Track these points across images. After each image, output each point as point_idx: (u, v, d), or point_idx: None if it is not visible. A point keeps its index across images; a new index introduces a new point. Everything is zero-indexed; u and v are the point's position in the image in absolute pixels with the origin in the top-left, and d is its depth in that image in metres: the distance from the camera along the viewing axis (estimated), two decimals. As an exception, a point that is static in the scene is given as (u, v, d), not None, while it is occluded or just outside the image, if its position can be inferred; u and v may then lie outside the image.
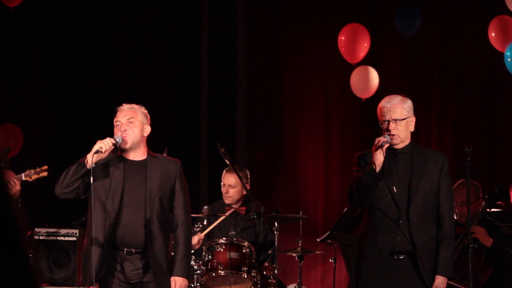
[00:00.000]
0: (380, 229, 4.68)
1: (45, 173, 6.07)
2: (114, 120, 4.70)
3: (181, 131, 9.17)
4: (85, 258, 4.58)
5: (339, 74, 8.80)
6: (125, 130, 4.60)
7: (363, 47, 8.13)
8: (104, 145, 4.46)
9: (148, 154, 4.68)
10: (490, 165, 8.39)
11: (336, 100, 8.93)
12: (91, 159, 4.44)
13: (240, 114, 9.20)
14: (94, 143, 4.54)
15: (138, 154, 4.65)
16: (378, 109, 4.76)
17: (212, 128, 9.26)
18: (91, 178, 4.43)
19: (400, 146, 4.73)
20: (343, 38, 8.20)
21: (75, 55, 9.62)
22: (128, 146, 4.60)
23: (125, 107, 4.73)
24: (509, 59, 7.34)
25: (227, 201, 6.72)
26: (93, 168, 4.45)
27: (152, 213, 4.54)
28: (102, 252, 4.48)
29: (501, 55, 7.58)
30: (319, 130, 8.99)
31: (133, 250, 4.54)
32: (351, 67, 8.31)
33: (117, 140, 4.55)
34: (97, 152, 4.44)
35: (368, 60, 8.60)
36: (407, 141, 4.75)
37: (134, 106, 4.74)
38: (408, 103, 4.73)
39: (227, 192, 6.70)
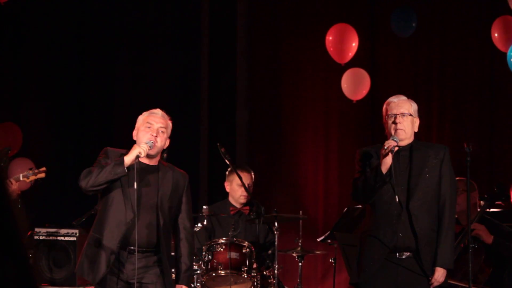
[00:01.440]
0: (382, 224, 4.70)
1: (43, 175, 6.07)
2: (145, 121, 4.68)
3: (181, 131, 9.16)
4: (90, 255, 4.59)
5: (338, 75, 8.80)
6: (155, 137, 4.62)
7: (351, 47, 8.13)
8: (143, 151, 4.51)
9: (159, 161, 4.75)
10: (490, 165, 8.39)
11: (336, 100, 8.92)
12: (131, 162, 4.49)
13: (240, 114, 9.19)
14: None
15: (152, 161, 4.70)
16: (385, 105, 4.82)
17: (212, 128, 9.26)
18: (135, 183, 4.48)
19: (403, 143, 4.76)
20: (330, 38, 8.21)
21: (74, 55, 9.62)
22: (153, 153, 4.65)
23: (159, 113, 4.73)
24: (512, 59, 7.35)
25: (244, 201, 6.69)
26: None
27: (162, 217, 4.62)
28: (114, 251, 4.52)
29: (501, 55, 7.58)
30: (319, 130, 8.99)
31: (135, 249, 4.56)
32: (350, 68, 8.31)
33: (150, 146, 4.59)
34: (137, 157, 4.50)
35: (368, 60, 8.61)
36: (410, 140, 4.80)
37: (165, 115, 4.76)
38: (415, 105, 4.85)
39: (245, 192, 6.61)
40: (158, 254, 4.61)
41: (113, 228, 4.53)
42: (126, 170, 4.48)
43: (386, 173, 4.62)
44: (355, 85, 8.19)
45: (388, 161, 4.61)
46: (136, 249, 4.52)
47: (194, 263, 6.08)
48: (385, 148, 4.62)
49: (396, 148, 4.65)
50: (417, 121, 4.84)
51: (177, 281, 4.75)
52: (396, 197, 4.67)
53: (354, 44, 8.14)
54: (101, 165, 4.55)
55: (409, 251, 4.68)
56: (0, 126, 8.95)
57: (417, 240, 4.64)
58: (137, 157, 4.50)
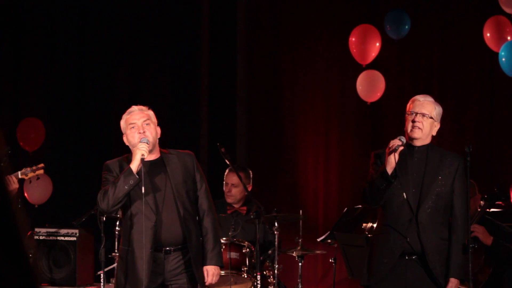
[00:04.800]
0: (393, 229, 4.71)
1: (41, 171, 6.01)
2: (128, 123, 4.65)
3: (181, 131, 9.17)
4: (126, 269, 4.55)
5: (339, 75, 8.80)
6: (143, 132, 4.59)
7: (375, 47, 8.09)
8: (145, 151, 4.48)
9: (160, 152, 4.72)
10: (490, 165, 8.38)
11: (336, 101, 8.92)
12: (138, 167, 4.46)
13: (240, 114, 9.19)
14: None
15: (153, 154, 4.67)
16: (410, 101, 4.84)
17: (212, 128, 9.26)
18: (143, 188, 4.46)
19: (418, 143, 4.77)
20: (353, 39, 8.16)
21: (74, 55, 9.63)
22: (151, 147, 4.61)
23: (136, 109, 4.69)
24: (503, 59, 7.33)
25: (229, 200, 6.72)
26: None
27: (184, 207, 4.58)
28: (149, 256, 4.49)
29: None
30: (319, 130, 8.99)
31: (172, 249, 4.57)
32: (351, 69, 8.31)
33: (147, 142, 4.55)
34: (142, 159, 4.46)
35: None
36: (427, 142, 4.80)
37: (143, 107, 4.72)
38: (439, 109, 4.84)
39: (229, 191, 6.70)
40: (191, 247, 4.57)
41: (141, 235, 4.48)
42: (137, 177, 4.44)
43: (392, 174, 4.63)
44: (370, 87, 8.15)
45: (392, 161, 4.61)
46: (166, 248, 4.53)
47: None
48: (389, 147, 4.63)
49: (401, 148, 4.63)
50: (437, 126, 4.82)
51: (204, 262, 4.65)
52: (408, 202, 4.66)
53: (378, 44, 8.09)
54: (111, 182, 4.51)
55: (417, 255, 4.70)
56: (22, 122, 8.96)
57: (423, 248, 4.65)
58: (142, 159, 4.47)
